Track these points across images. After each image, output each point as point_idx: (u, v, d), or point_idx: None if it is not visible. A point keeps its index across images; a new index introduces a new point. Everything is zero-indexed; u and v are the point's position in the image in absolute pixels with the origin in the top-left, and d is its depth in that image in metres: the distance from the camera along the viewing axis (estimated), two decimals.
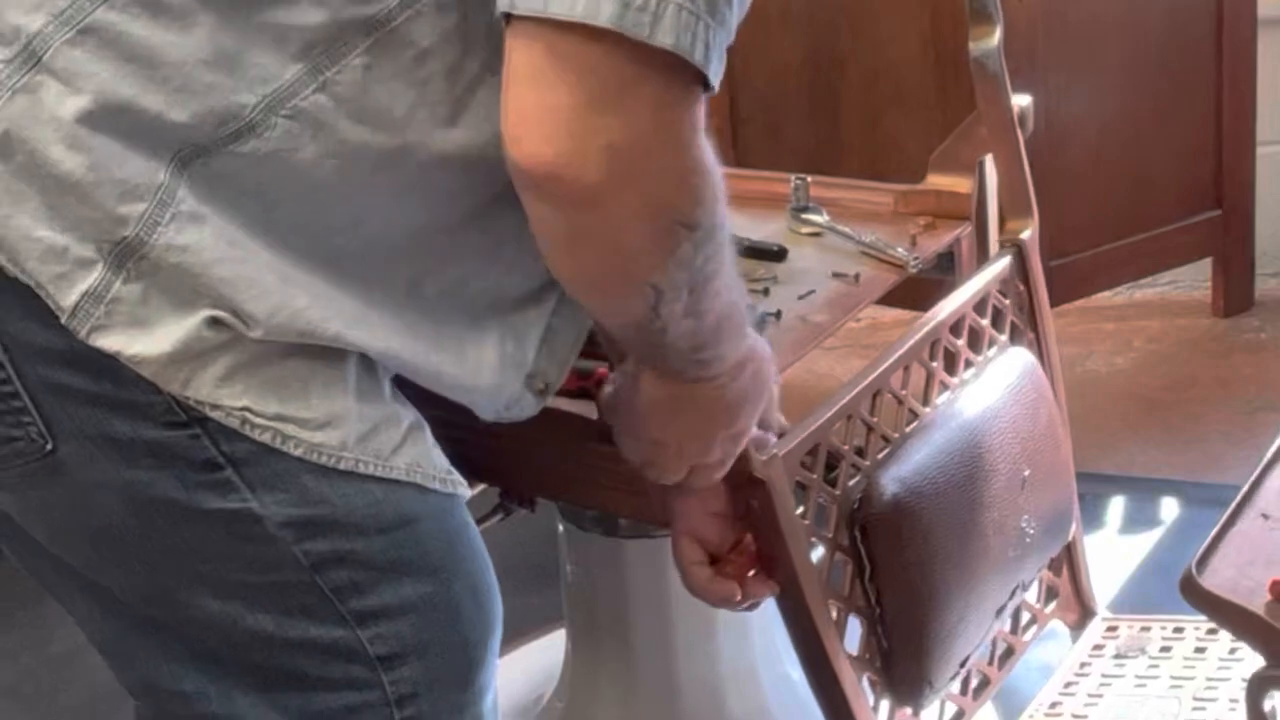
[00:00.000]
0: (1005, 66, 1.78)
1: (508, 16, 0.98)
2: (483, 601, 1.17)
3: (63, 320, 1.01)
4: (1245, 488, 1.63)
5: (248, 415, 1.05)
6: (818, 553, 1.56)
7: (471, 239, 1.12)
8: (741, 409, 1.25)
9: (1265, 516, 1.60)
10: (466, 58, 1.05)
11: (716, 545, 1.46)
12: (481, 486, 1.76)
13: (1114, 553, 2.48)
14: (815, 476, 1.55)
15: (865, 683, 1.60)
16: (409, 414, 1.13)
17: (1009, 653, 1.85)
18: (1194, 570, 1.49)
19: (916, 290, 1.94)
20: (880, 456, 1.62)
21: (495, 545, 1.23)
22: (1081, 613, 1.98)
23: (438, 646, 1.14)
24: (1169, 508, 2.67)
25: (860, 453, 1.61)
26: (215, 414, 1.04)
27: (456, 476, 1.16)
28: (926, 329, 1.70)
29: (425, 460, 1.13)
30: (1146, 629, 1.94)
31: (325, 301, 1.06)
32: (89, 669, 1.35)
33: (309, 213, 1.05)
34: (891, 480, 1.58)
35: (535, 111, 0.97)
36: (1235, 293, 3.24)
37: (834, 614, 1.56)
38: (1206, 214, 3.16)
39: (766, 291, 1.79)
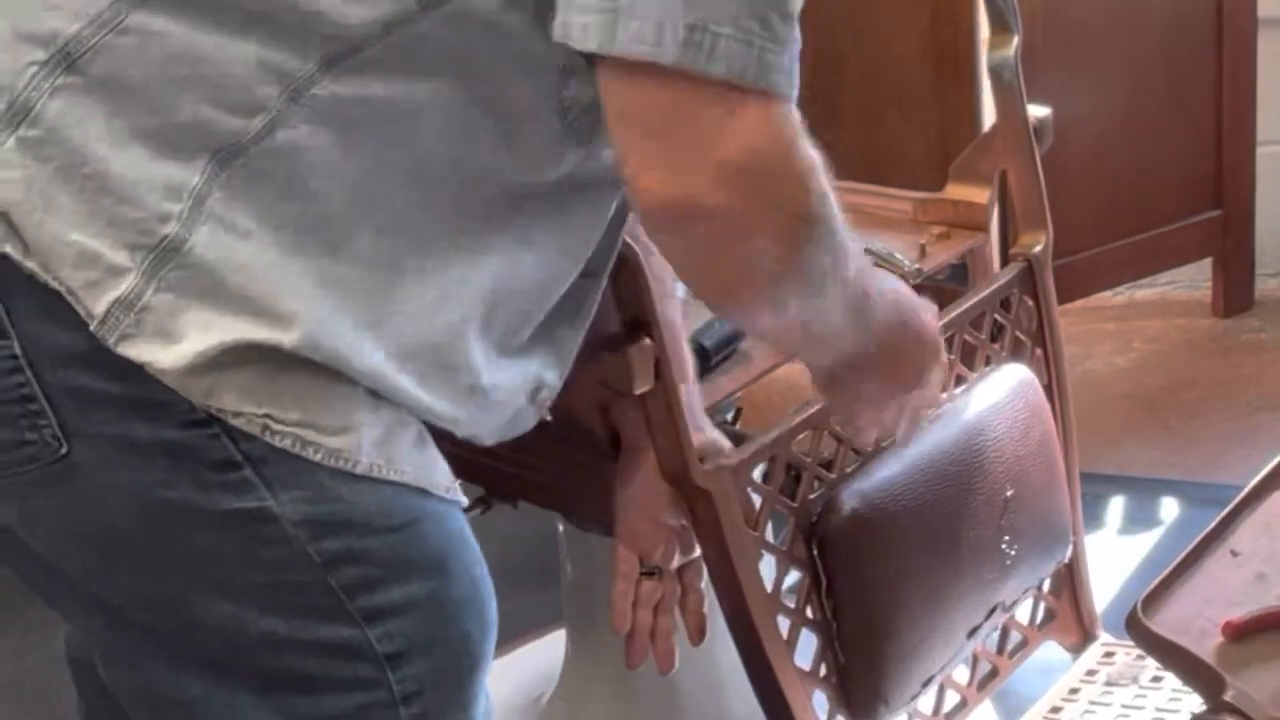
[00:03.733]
0: (1022, 77, 1.76)
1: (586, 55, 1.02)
2: (482, 601, 1.18)
3: (92, 327, 1.02)
4: (1214, 523, 1.60)
5: (269, 423, 1.05)
6: (770, 566, 1.54)
7: (502, 242, 1.14)
8: (902, 366, 1.31)
9: (1234, 553, 1.58)
10: (494, 68, 1.07)
11: (656, 556, 1.46)
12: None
13: (1114, 553, 2.48)
14: (769, 488, 1.53)
15: (819, 698, 1.58)
16: (415, 419, 1.14)
17: (993, 673, 1.82)
18: (1140, 609, 1.48)
19: (930, 297, 1.94)
20: (849, 470, 1.59)
21: (495, 545, 1.23)
22: (1081, 636, 1.95)
23: (441, 644, 1.15)
24: (1169, 508, 2.67)
25: (828, 466, 1.59)
26: (237, 421, 1.04)
27: (456, 486, 1.17)
28: None
29: (432, 467, 1.14)
30: (1143, 657, 1.89)
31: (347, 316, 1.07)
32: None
33: (338, 213, 1.06)
34: (852, 495, 1.56)
35: (639, 153, 1.03)
36: (1235, 293, 3.24)
37: (785, 628, 1.54)
38: (1206, 214, 3.16)
39: None
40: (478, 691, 1.19)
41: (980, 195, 1.87)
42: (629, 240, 1.30)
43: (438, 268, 1.11)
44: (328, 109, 1.04)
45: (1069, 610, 1.92)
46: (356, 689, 1.13)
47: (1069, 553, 1.84)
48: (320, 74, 1.04)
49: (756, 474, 1.55)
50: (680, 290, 1.42)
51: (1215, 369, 3.06)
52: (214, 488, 1.06)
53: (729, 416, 1.82)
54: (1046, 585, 1.88)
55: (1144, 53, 3.01)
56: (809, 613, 1.58)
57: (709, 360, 1.64)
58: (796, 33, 1.05)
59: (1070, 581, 1.91)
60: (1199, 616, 1.48)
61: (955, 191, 1.89)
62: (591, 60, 1.02)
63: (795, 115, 1.06)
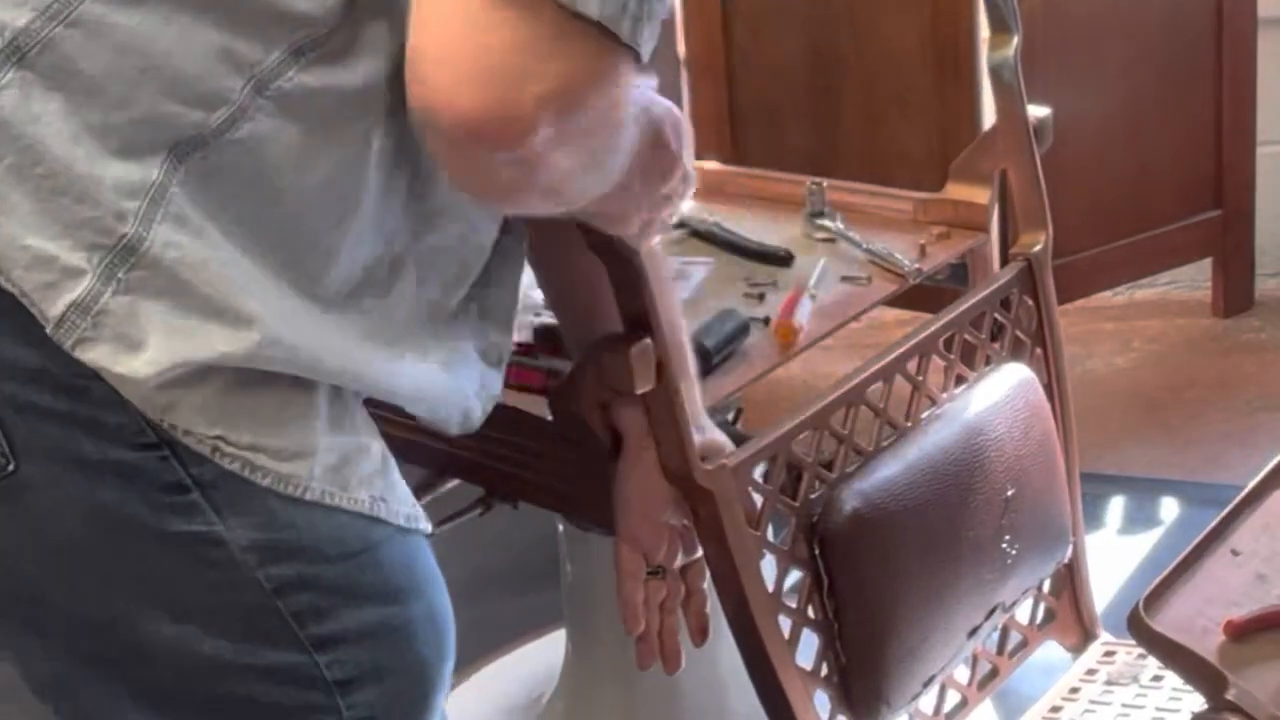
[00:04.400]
0: (1022, 77, 1.75)
1: None
2: (439, 626, 1.16)
3: (48, 330, 0.99)
4: (1214, 522, 1.60)
5: (219, 444, 1.03)
6: (772, 565, 1.53)
7: (445, 225, 1.13)
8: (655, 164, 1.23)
9: (1235, 552, 1.57)
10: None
11: (659, 556, 1.45)
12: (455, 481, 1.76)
13: (1114, 553, 2.48)
14: (770, 488, 1.52)
15: (821, 698, 1.58)
16: (378, 445, 1.13)
17: (994, 673, 1.82)
18: (1141, 608, 1.47)
19: (931, 297, 1.94)
20: (850, 470, 1.59)
21: (495, 545, 1.23)
22: (1082, 636, 1.94)
23: (395, 670, 1.13)
24: (1169, 508, 2.67)
25: (829, 466, 1.59)
26: (187, 439, 1.03)
27: (418, 513, 1.15)
28: (911, 343, 1.67)
29: (390, 494, 1.12)
30: (1144, 656, 1.88)
31: (306, 319, 1.06)
32: None
33: (303, 207, 1.05)
34: (853, 495, 1.55)
35: (465, 49, 0.96)
36: (1235, 293, 3.24)
37: (787, 628, 1.54)
38: (1206, 214, 3.16)
39: (762, 297, 1.79)
40: (433, 716, 1.17)
41: (980, 195, 1.87)
42: (624, 240, 1.30)
43: (404, 249, 1.10)
44: (296, 101, 1.02)
45: (1069, 610, 1.92)
46: (306, 714, 1.11)
47: (1069, 553, 1.84)
48: (286, 64, 1.02)
49: (758, 474, 1.55)
50: (684, 291, 1.41)
51: (1215, 369, 3.06)
52: (162, 509, 1.04)
53: (730, 416, 1.82)
54: (1047, 585, 1.88)
55: (1144, 53, 3.01)
56: (810, 612, 1.57)
57: (710, 360, 1.64)
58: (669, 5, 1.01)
59: (1070, 581, 1.91)
60: (1200, 616, 1.48)
61: (955, 191, 1.89)
62: None
63: (630, 79, 1.01)
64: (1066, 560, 1.85)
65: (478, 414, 1.22)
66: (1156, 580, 1.52)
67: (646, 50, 1.00)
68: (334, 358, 1.07)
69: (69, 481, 1.03)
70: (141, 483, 1.03)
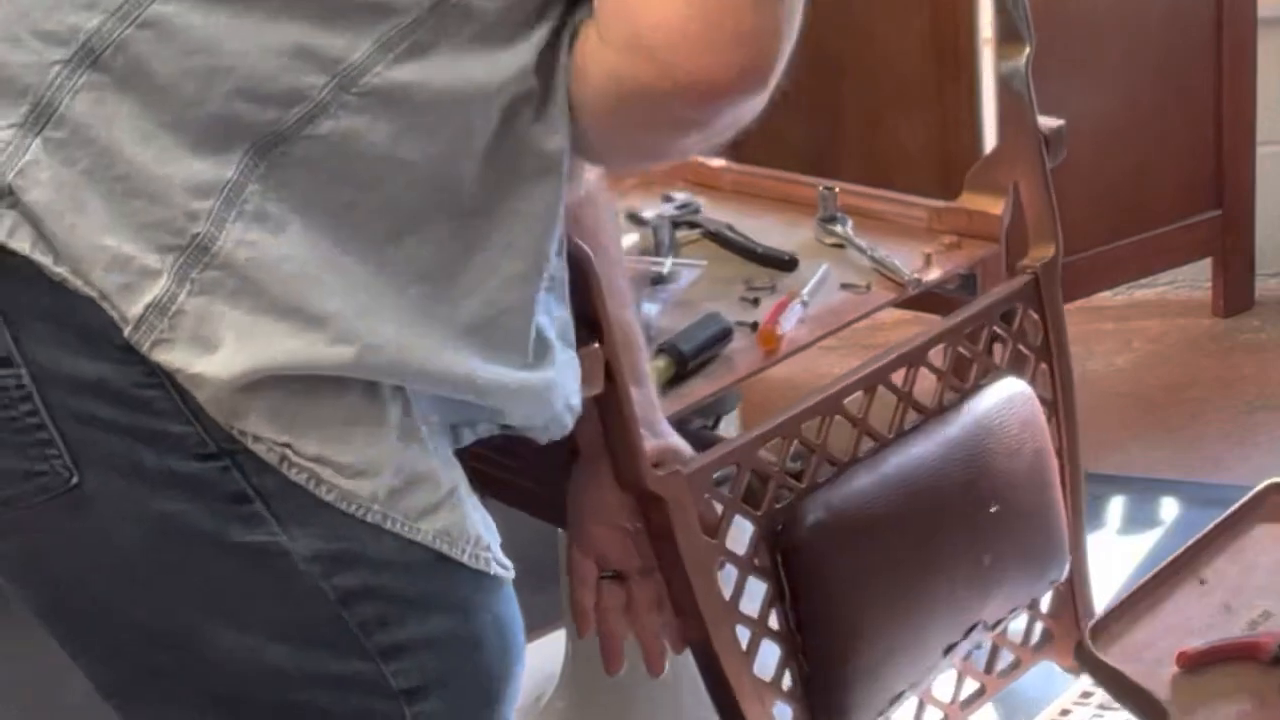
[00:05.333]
0: (1032, 85, 1.71)
1: None
2: (506, 634, 1.15)
3: (126, 331, 0.99)
4: (1188, 545, 1.57)
5: (288, 453, 1.03)
6: (732, 574, 1.51)
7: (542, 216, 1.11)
8: None
9: (1202, 582, 1.54)
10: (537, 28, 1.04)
11: (613, 560, 1.44)
12: None
13: (1114, 553, 2.48)
14: (730, 496, 1.50)
15: (783, 710, 1.55)
16: (450, 476, 1.11)
17: (981, 692, 1.78)
18: (1088, 635, 1.44)
19: (942, 301, 1.93)
20: (822, 481, 1.56)
21: (512, 539, 1.22)
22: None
23: (460, 680, 1.12)
24: (1169, 508, 2.67)
25: (798, 476, 1.56)
26: (257, 447, 1.02)
27: (487, 551, 1.12)
28: (895, 355, 1.64)
29: (456, 528, 1.10)
30: None
31: (394, 318, 1.04)
32: None
33: (395, 200, 1.03)
34: (817, 505, 1.53)
35: (682, 17, 0.99)
36: (1235, 293, 3.24)
37: (746, 637, 1.51)
38: (1206, 214, 3.16)
39: (757, 301, 1.78)
40: None
41: (994, 206, 1.83)
42: (577, 241, 1.27)
43: (499, 240, 1.08)
44: (386, 97, 1.01)
45: (1068, 632, 1.85)
46: None
47: (1064, 572, 1.78)
48: (373, 59, 1.00)
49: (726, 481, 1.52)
50: (668, 294, 1.39)
51: (1215, 369, 3.06)
52: (224, 519, 1.03)
53: (709, 422, 1.80)
54: (1046, 605, 1.83)
55: (1144, 53, 3.01)
56: (772, 623, 1.55)
57: (686, 364, 1.63)
58: None
59: (1071, 602, 1.84)
60: (1157, 645, 1.45)
61: (970, 201, 1.86)
62: None
63: None
64: (1064, 578, 1.79)
65: (569, 418, 1.19)
66: (1106, 609, 1.49)
67: None
68: (425, 355, 1.05)
69: (131, 493, 1.03)
70: (203, 494, 1.03)
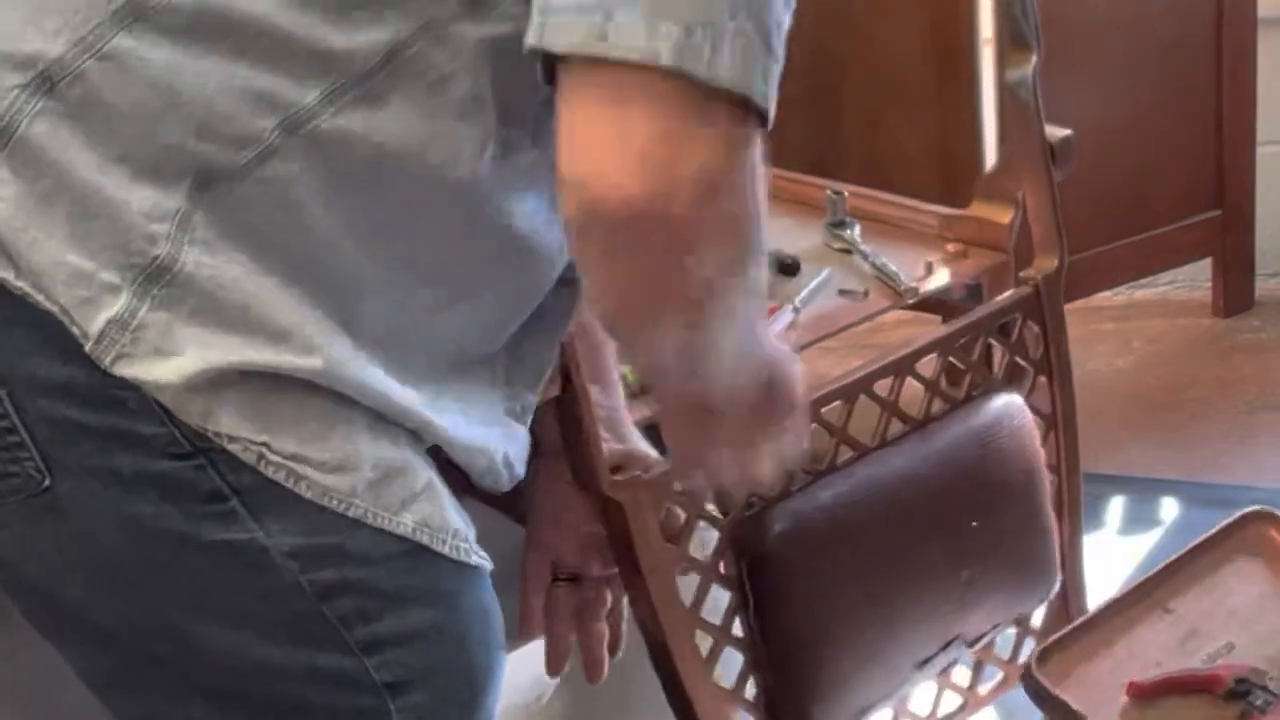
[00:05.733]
0: (1039, 94, 1.67)
1: (548, 56, 0.96)
2: (488, 624, 1.16)
3: (87, 347, 1.00)
4: (1154, 571, 1.50)
5: (265, 451, 1.03)
6: (693, 581, 1.48)
7: (486, 264, 1.12)
8: (765, 411, 1.19)
9: (1167, 610, 1.49)
10: (490, 90, 1.05)
11: (572, 565, 1.42)
12: None
13: (1114, 553, 2.48)
14: (691, 502, 1.47)
15: (743, 718, 1.53)
16: (425, 469, 1.11)
17: (963, 707, 1.73)
18: (1034, 662, 1.38)
19: (948, 306, 1.92)
20: (794, 489, 1.52)
21: (495, 545, 1.22)
22: None
23: (445, 672, 1.13)
24: (1169, 508, 2.67)
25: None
26: (233, 447, 1.02)
27: (466, 543, 1.13)
28: (879, 365, 1.60)
29: (435, 519, 1.10)
30: None
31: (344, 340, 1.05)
32: None
33: (331, 245, 1.04)
34: (784, 515, 1.50)
35: (611, 145, 0.96)
36: (1235, 293, 3.24)
37: (707, 645, 1.49)
38: (1206, 214, 3.16)
39: None
40: (488, 715, 1.17)
41: (1003, 215, 1.81)
42: None
43: (442, 292, 1.09)
44: (330, 144, 1.02)
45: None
46: (357, 718, 1.11)
47: (1055, 589, 1.73)
48: (322, 106, 1.01)
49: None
50: None
51: (1215, 369, 3.06)
52: (201, 518, 1.04)
53: None
54: (1039, 621, 1.77)
55: (1144, 53, 3.01)
56: (736, 631, 1.52)
57: None
58: (783, 52, 1.01)
59: (1065, 618, 1.76)
60: (1114, 674, 1.41)
61: (980, 210, 1.84)
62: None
63: (760, 147, 1.00)
64: (1056, 592, 1.73)
65: (517, 468, 1.20)
66: (1054, 636, 1.45)
67: (771, 106, 0.99)
68: (386, 388, 1.06)
69: (105, 495, 1.03)
70: (179, 492, 1.03)
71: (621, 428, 1.45)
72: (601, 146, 0.96)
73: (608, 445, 1.41)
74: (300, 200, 1.02)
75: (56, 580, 1.09)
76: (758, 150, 1.00)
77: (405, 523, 1.08)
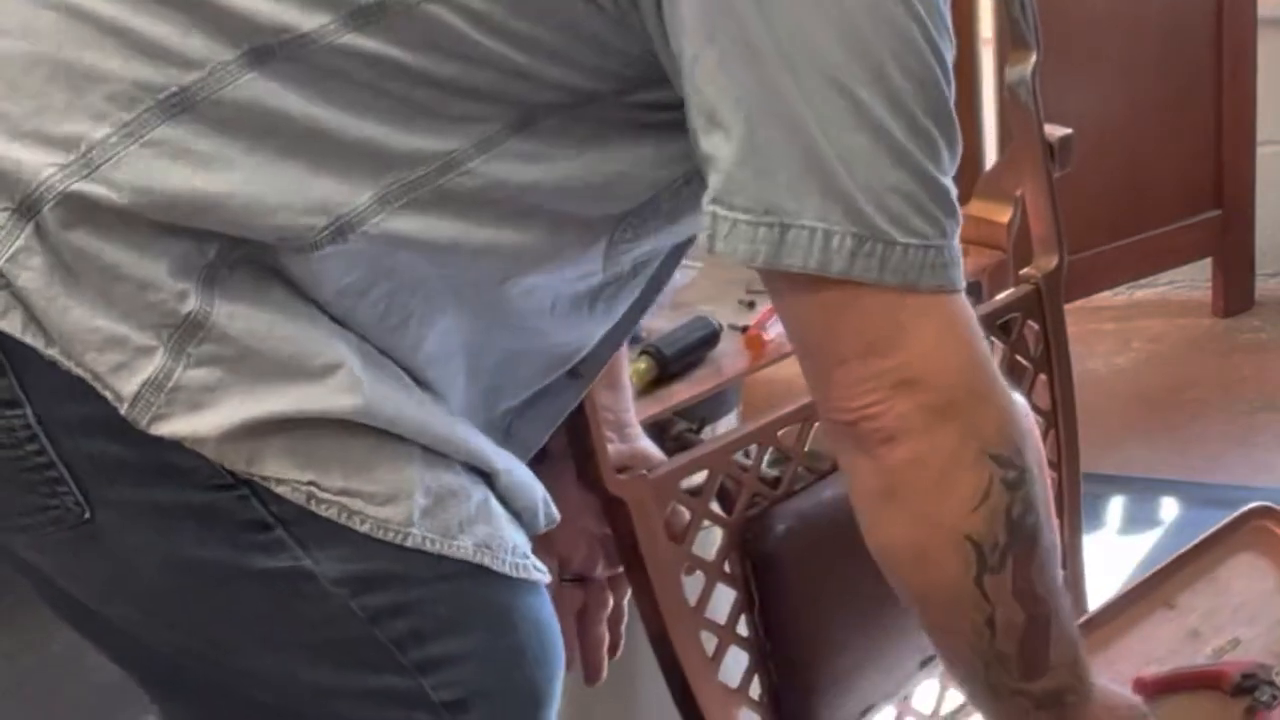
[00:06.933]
0: (1039, 95, 1.66)
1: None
2: (546, 639, 1.13)
3: (123, 411, 0.98)
4: (1157, 568, 1.49)
5: (314, 490, 1.01)
6: (699, 580, 1.47)
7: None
8: None
9: (1171, 606, 1.49)
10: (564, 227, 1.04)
11: (575, 564, 1.41)
12: None
13: (1114, 553, 2.48)
14: (699, 502, 1.46)
15: (748, 717, 1.51)
16: (478, 487, 1.09)
17: (965, 705, 1.67)
18: None
19: None
20: (798, 488, 1.51)
21: None
22: None
23: (504, 689, 1.10)
24: (1169, 508, 2.67)
25: (775, 484, 1.52)
26: (281, 489, 1.00)
27: (527, 560, 1.10)
28: None
29: (494, 539, 1.08)
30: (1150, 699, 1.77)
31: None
32: (89, 669, 1.34)
33: (359, 318, 1.03)
34: (788, 514, 1.49)
35: (825, 376, 0.99)
36: (1235, 293, 3.24)
37: (712, 644, 1.47)
38: (1206, 214, 3.16)
39: (752, 305, 1.77)
40: None
41: (1002, 214, 1.80)
42: None
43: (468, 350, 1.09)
44: (379, 243, 1.00)
45: None
46: None
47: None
48: (375, 209, 0.99)
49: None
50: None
51: (1215, 369, 3.07)
52: (246, 547, 1.02)
53: (694, 425, 1.78)
54: None
55: (1144, 53, 3.01)
56: (741, 630, 1.51)
57: (667, 367, 1.62)
58: (959, 212, 1.00)
59: None
60: (1117, 670, 1.38)
61: (978, 208, 1.84)
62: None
63: (968, 309, 1.00)
64: None
65: (541, 521, 1.17)
66: None
67: (958, 280, 0.99)
68: (430, 420, 1.06)
69: (148, 528, 1.02)
70: (223, 524, 1.01)
71: (627, 429, 1.44)
72: (816, 375, 1.02)
73: (613, 446, 1.41)
74: (335, 278, 1.01)
75: (102, 602, 1.08)
76: (961, 317, 1.02)
77: (464, 546, 1.06)
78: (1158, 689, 1.38)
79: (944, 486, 1.00)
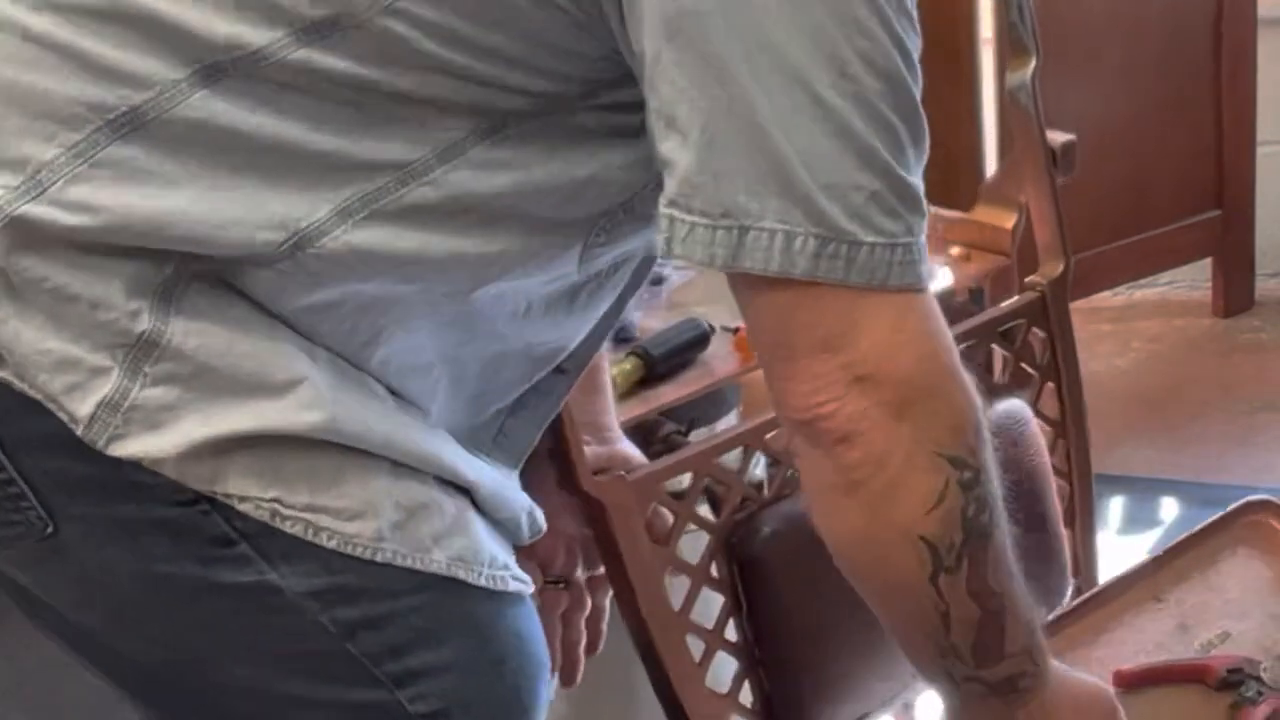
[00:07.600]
0: (1040, 99, 1.65)
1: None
2: (528, 647, 1.12)
3: (78, 432, 0.97)
4: (1147, 560, 1.47)
5: (278, 507, 1.00)
6: (684, 585, 1.45)
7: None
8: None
9: (1159, 600, 1.48)
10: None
11: (556, 566, 1.39)
12: None
13: (1114, 553, 2.48)
14: (682, 504, 1.43)
15: None
16: (453, 502, 1.07)
17: None
18: None
19: (952, 314, 1.91)
20: (787, 493, 1.48)
21: None
22: None
23: (485, 700, 1.09)
24: (1169, 508, 2.67)
25: (760, 488, 1.50)
26: (244, 506, 0.99)
27: (506, 572, 1.09)
28: None
29: (469, 552, 1.07)
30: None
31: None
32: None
33: (326, 326, 1.02)
34: (774, 517, 1.46)
35: (780, 373, 0.98)
36: (1235, 293, 3.24)
37: (700, 649, 1.45)
38: (1206, 214, 3.16)
39: None
40: None
41: (1006, 220, 1.81)
42: None
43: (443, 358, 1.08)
44: (338, 256, 0.98)
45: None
46: None
47: (1066, 596, 1.67)
48: (335, 222, 0.98)
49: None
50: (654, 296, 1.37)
51: (1215, 369, 3.07)
52: (212, 562, 1.01)
53: (681, 428, 1.77)
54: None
55: (1144, 54, 3.01)
56: (730, 635, 1.50)
57: (655, 368, 1.62)
58: (925, 209, 0.98)
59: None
60: (1102, 662, 1.37)
61: (983, 214, 1.84)
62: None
63: (934, 305, 0.98)
64: (1066, 599, 1.66)
65: (525, 531, 1.16)
66: (1045, 622, 1.42)
67: (924, 278, 0.97)
68: (403, 435, 1.04)
69: (113, 543, 1.01)
70: (188, 539, 1.01)
71: (606, 431, 1.43)
72: (774, 371, 1.01)
73: (590, 448, 1.39)
74: (295, 290, 1.00)
75: (75, 612, 1.07)
76: (925, 308, 1.00)
77: (438, 560, 1.05)
78: (1136, 681, 1.36)
79: (899, 488, 0.99)
